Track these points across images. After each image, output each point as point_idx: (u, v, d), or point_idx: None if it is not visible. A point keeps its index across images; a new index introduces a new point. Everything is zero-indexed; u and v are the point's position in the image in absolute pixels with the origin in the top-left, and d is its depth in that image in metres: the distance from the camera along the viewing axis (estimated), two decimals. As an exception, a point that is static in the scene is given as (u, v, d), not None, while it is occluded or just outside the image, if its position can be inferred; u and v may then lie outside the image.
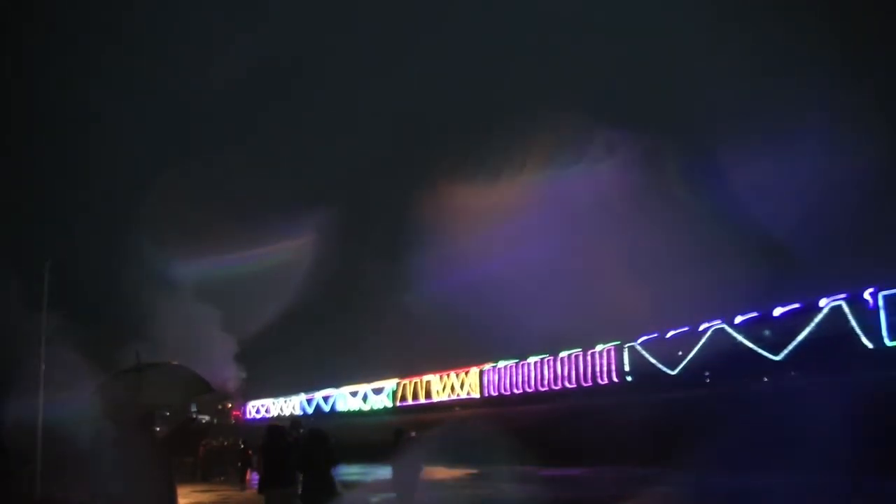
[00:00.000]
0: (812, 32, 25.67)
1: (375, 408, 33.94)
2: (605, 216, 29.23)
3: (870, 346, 17.10)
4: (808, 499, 12.79)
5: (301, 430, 10.68)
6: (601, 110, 31.03)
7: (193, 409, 46.61)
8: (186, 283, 37.86)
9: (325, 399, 37.51)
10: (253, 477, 19.37)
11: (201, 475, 23.09)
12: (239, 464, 21.76)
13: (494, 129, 33.24)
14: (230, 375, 42.36)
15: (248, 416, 44.00)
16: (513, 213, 30.14)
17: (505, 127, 32.00)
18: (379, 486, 15.52)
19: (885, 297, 17.00)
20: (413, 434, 12.49)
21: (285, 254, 37.54)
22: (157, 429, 6.50)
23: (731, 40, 28.27)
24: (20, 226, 33.52)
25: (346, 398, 36.13)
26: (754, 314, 19.90)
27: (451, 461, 19.17)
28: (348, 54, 43.90)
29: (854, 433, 13.24)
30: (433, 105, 37.06)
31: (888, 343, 16.87)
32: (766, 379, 19.24)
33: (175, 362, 6.84)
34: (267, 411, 42.16)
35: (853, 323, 17.47)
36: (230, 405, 47.09)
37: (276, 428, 9.82)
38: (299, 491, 9.19)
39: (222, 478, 23.38)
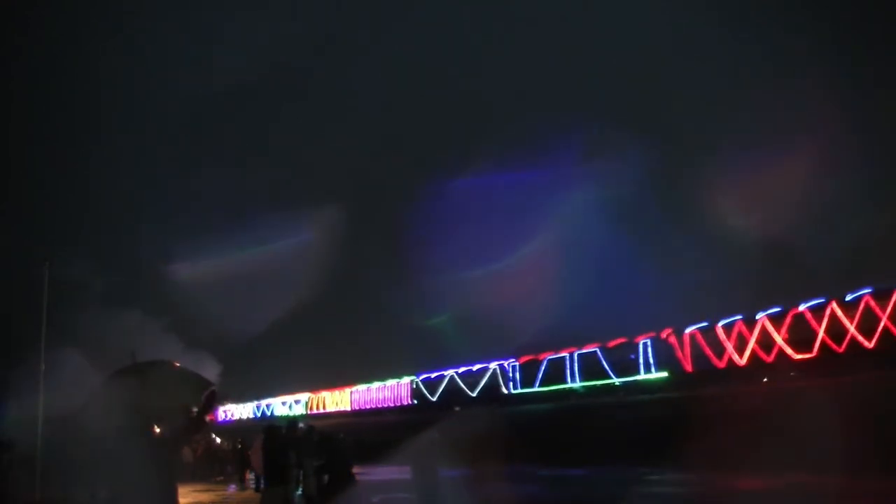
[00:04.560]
0: (811, 33, 26.73)
1: (295, 414, 47.34)
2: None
3: (506, 391, 29.81)
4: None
5: (299, 430, 10.95)
6: (597, 109, 32.63)
7: (195, 409, 60.03)
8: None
9: (267, 406, 51.09)
10: (251, 476, 19.77)
11: (200, 475, 23.81)
12: (237, 463, 22.48)
13: (492, 130, 36.04)
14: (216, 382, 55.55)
15: (219, 418, 57.75)
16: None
17: (503, 127, 34.35)
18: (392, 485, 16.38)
19: (510, 365, 29.64)
20: (435, 435, 12.44)
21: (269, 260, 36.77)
22: (158, 429, 6.43)
23: (730, 41, 29.33)
24: (21, 224, 34.12)
25: (279, 406, 49.67)
26: (469, 367, 32.52)
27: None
28: (349, 55, 45.30)
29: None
30: (433, 106, 38.18)
31: (516, 391, 29.55)
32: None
33: (173, 362, 7.33)
34: (232, 415, 55.92)
35: (499, 378, 30.21)
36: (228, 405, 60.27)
37: (274, 428, 9.97)
38: (299, 491, 9.66)
39: (221, 478, 24.16)
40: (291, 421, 11.73)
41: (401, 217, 35.08)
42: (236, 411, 55.36)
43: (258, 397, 52.45)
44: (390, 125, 39.49)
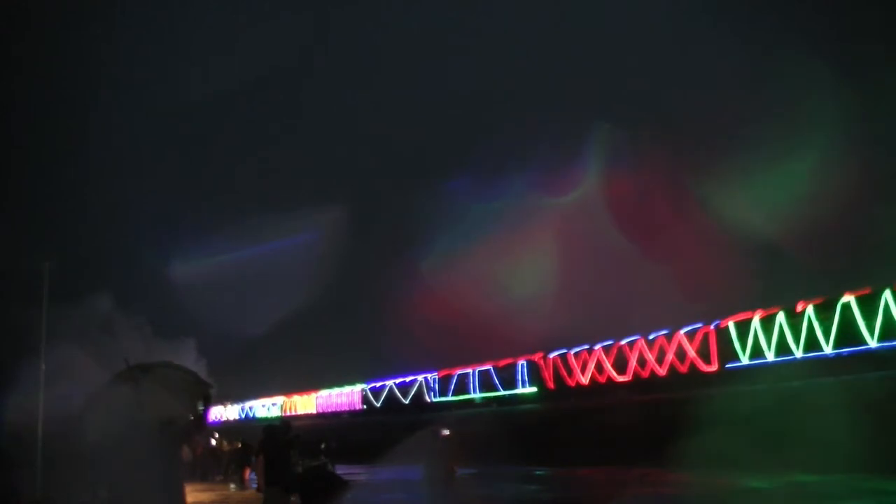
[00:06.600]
0: (811, 30, 26.65)
1: (272, 416, 54.12)
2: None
3: (429, 400, 36.41)
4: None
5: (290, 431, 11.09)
6: (595, 108, 33.48)
7: (200, 407, 66.58)
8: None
9: (250, 408, 57.94)
10: (251, 476, 20.14)
11: (200, 475, 24.34)
12: (237, 463, 23.14)
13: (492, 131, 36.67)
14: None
15: (211, 419, 64.64)
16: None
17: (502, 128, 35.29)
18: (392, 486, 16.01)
19: (432, 378, 36.27)
20: (446, 433, 12.41)
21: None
22: (161, 429, 6.57)
23: (729, 38, 28.68)
24: (20, 223, 33.99)
25: (260, 408, 56.50)
26: (403, 378, 39.12)
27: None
28: (352, 54, 48.08)
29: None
30: (431, 107, 39.04)
31: (436, 400, 36.13)
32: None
33: (170, 362, 7.51)
34: (222, 415, 62.70)
35: (425, 388, 36.85)
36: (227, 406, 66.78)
37: (273, 428, 10.32)
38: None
39: (221, 477, 24.78)
40: (283, 421, 11.72)
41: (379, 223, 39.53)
42: (226, 412, 62.19)
43: (244, 399, 59.32)
44: (387, 126, 41.12)
